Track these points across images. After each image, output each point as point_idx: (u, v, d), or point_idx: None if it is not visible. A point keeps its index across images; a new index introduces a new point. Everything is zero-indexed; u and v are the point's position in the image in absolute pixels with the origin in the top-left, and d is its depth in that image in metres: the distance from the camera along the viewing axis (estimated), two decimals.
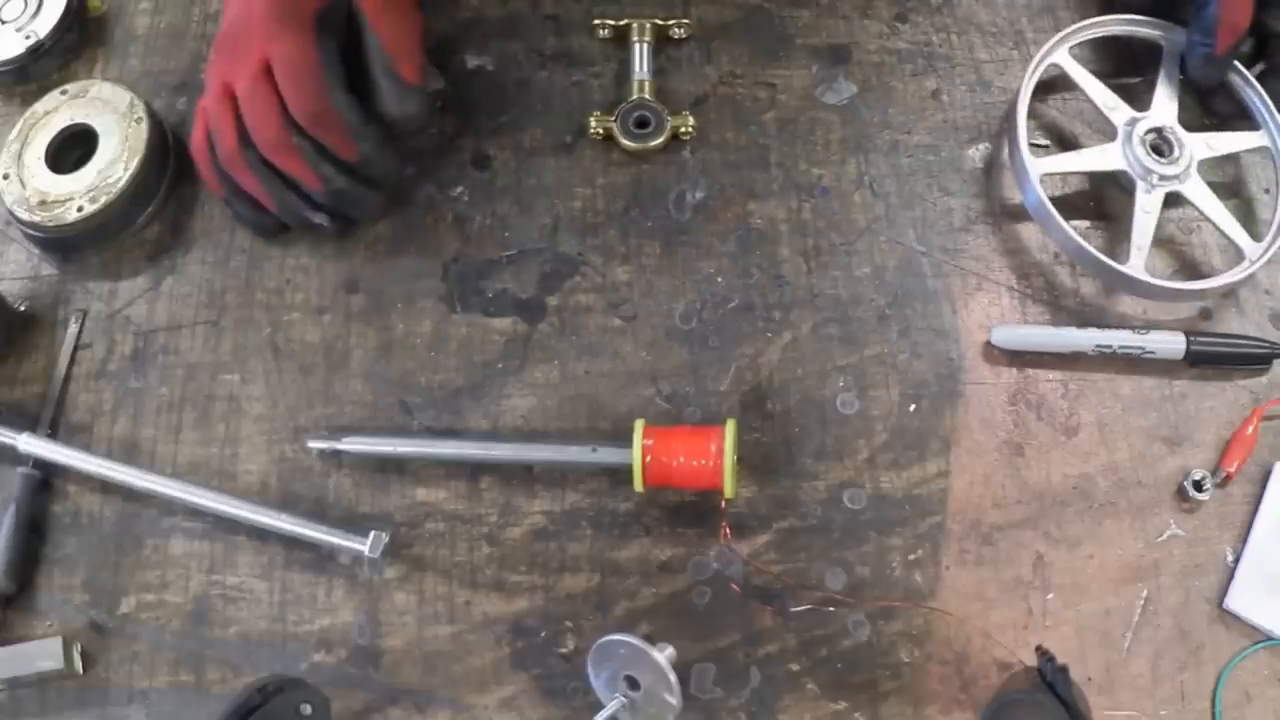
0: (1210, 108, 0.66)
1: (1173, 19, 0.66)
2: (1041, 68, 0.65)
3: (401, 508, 0.58)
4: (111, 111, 0.65)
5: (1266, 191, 0.65)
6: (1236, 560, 0.56)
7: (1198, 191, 0.62)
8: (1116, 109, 0.64)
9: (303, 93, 0.56)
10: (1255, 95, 0.64)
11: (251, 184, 0.60)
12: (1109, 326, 0.61)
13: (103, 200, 0.62)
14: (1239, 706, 0.53)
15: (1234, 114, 0.65)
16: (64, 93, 0.66)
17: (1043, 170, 0.62)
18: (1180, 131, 0.63)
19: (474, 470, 0.58)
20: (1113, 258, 0.60)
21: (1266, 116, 0.64)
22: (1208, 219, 0.62)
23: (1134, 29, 0.67)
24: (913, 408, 0.59)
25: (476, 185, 0.65)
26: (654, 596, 0.55)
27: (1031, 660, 0.50)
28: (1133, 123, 0.63)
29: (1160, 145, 0.62)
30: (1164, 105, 0.64)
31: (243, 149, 0.58)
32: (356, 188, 0.60)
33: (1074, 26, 0.66)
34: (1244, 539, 0.56)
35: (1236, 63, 0.64)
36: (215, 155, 0.60)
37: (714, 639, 0.54)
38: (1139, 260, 0.60)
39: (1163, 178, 0.61)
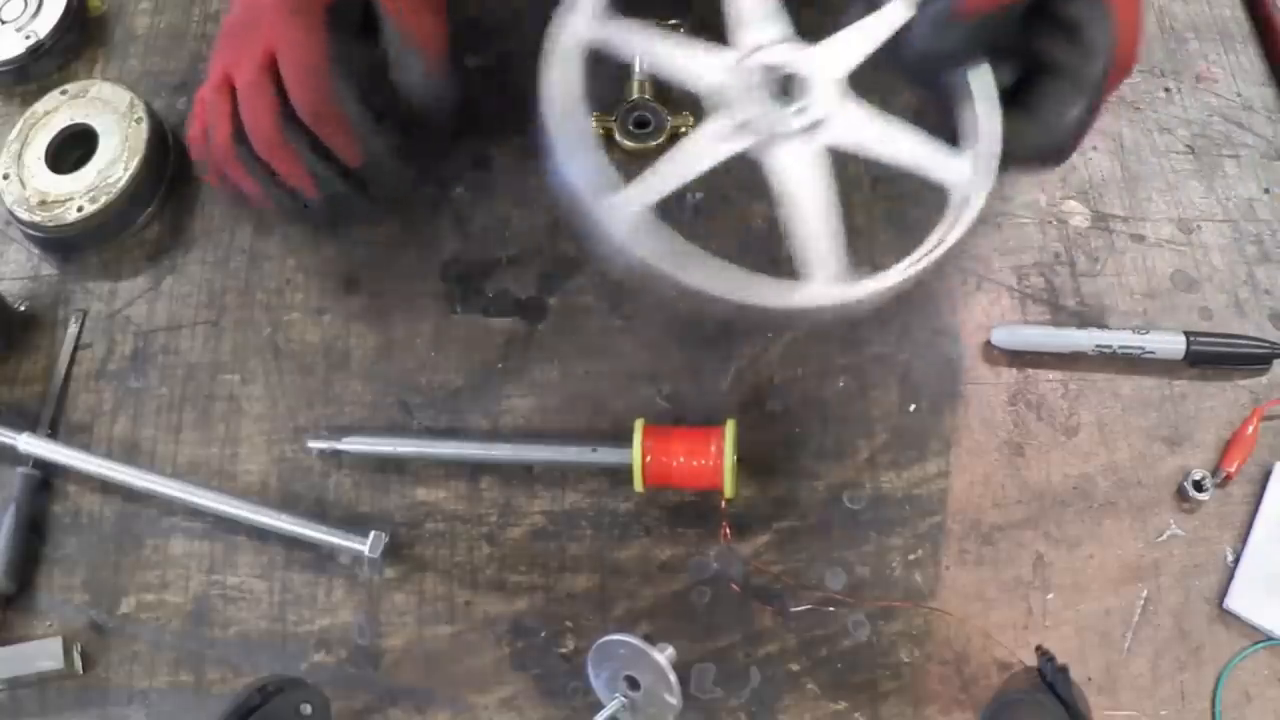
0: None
1: None
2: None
3: (401, 508, 0.58)
4: (111, 111, 0.65)
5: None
6: (1236, 560, 0.56)
7: (853, 129, 0.47)
8: (705, 63, 0.47)
9: (307, 88, 0.54)
10: (973, 115, 0.47)
11: (245, 180, 0.57)
12: (1109, 326, 0.61)
13: (103, 200, 0.63)
14: (1239, 706, 0.53)
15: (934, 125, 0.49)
16: (64, 93, 0.66)
17: (634, 207, 0.44)
18: (807, 50, 0.47)
19: (474, 470, 0.58)
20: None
21: (979, 146, 0.46)
22: (882, 159, 0.47)
23: None
24: (913, 408, 0.59)
25: (476, 185, 0.65)
26: (654, 596, 0.55)
27: (1031, 660, 0.50)
28: (741, 68, 0.47)
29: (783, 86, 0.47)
30: (762, 24, 0.48)
31: (236, 144, 0.55)
32: (353, 194, 0.57)
33: None
34: (1244, 539, 0.56)
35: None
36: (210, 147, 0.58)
37: (714, 639, 0.54)
38: (827, 264, 0.45)
39: (800, 130, 0.46)
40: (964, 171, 0.46)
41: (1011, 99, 0.47)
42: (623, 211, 0.43)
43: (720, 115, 0.46)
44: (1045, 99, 0.46)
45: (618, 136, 0.64)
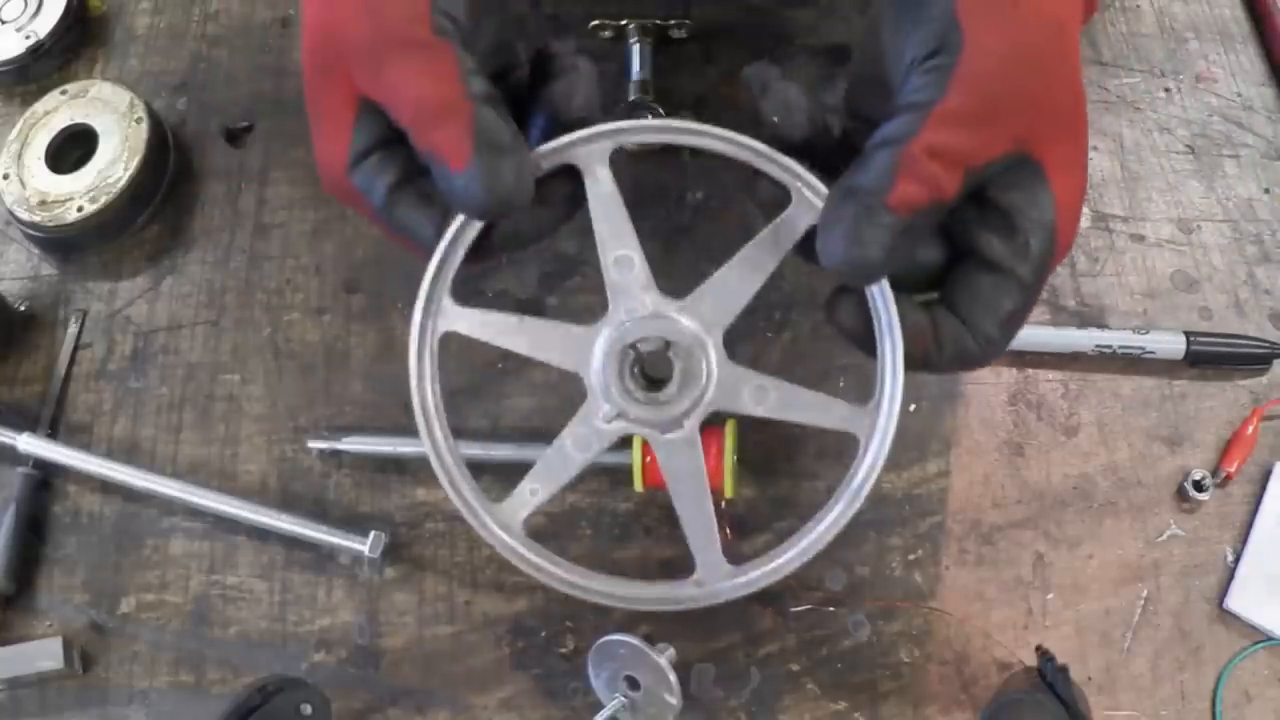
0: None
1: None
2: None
3: (401, 508, 0.58)
4: (111, 111, 0.65)
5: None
6: (1236, 560, 0.56)
7: (744, 396, 0.44)
8: (574, 345, 0.45)
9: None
10: (886, 322, 0.41)
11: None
12: (1109, 326, 0.61)
13: (103, 200, 0.63)
14: (1239, 706, 0.53)
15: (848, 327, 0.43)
16: (64, 93, 0.66)
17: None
18: (681, 317, 0.43)
19: (474, 470, 0.58)
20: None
21: (888, 360, 0.42)
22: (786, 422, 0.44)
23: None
24: (913, 408, 0.59)
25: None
26: None
27: (1031, 660, 0.50)
28: (612, 351, 0.44)
29: (655, 368, 0.43)
30: (632, 289, 0.44)
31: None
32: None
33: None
34: (1244, 539, 0.56)
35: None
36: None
37: (714, 639, 0.54)
38: (713, 558, 0.44)
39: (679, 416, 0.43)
40: (864, 425, 0.43)
41: (937, 288, 0.41)
42: (507, 525, 0.44)
43: (591, 404, 0.44)
44: (976, 296, 0.40)
45: None
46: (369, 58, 0.40)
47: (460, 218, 0.42)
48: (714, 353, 0.43)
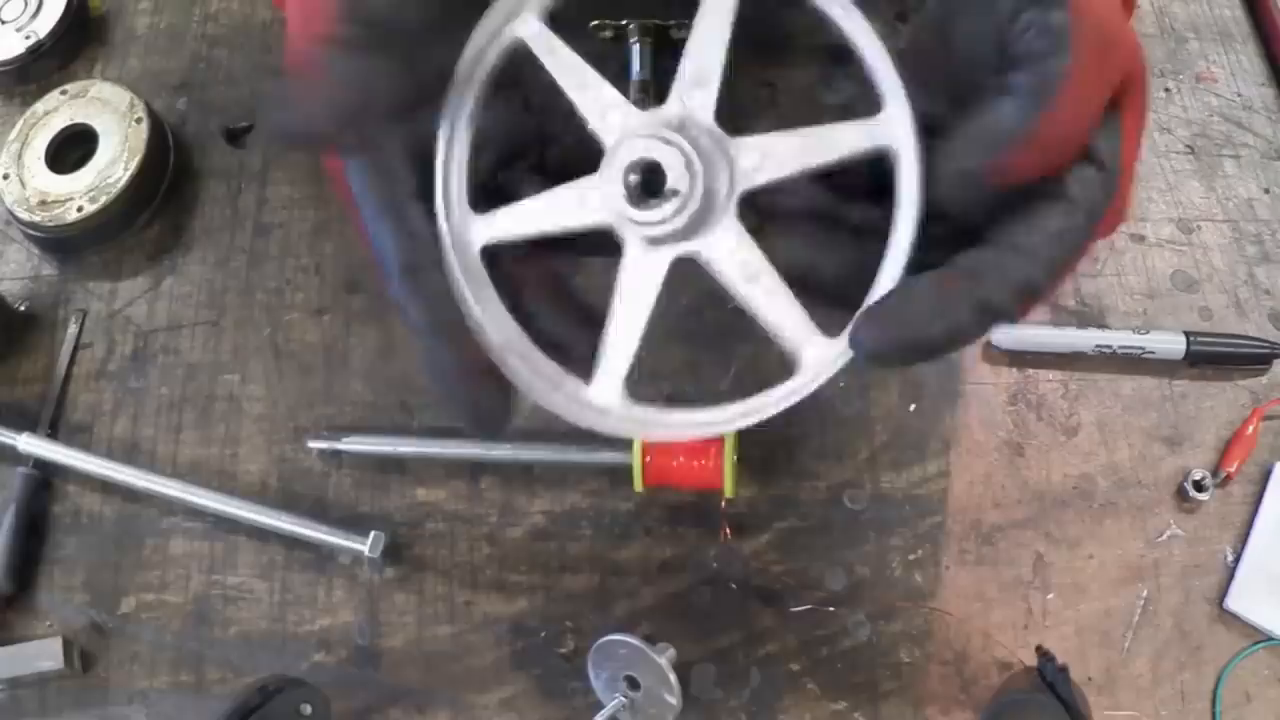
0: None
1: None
2: (493, 53, 0.40)
3: (401, 508, 0.58)
4: (111, 111, 0.65)
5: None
6: (1236, 560, 0.56)
7: (724, 256, 0.38)
8: (606, 111, 0.39)
9: None
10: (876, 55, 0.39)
11: None
12: (1109, 326, 0.61)
13: (103, 200, 0.63)
14: (1239, 706, 0.53)
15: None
16: (64, 93, 0.66)
17: (484, 238, 0.40)
18: (720, 143, 0.38)
19: (474, 470, 0.58)
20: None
21: (892, 90, 0.38)
22: (743, 303, 0.38)
23: None
24: (913, 408, 0.59)
25: None
26: (654, 596, 0.55)
27: (1031, 660, 0.50)
28: (626, 139, 0.39)
29: (658, 178, 0.38)
30: (693, 88, 0.39)
31: None
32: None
33: None
34: (1244, 539, 0.56)
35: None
36: None
37: (714, 639, 0.54)
38: (609, 381, 0.39)
39: (657, 238, 0.38)
40: (825, 357, 0.38)
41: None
42: (481, 234, 0.39)
43: (591, 178, 0.39)
44: (1034, 221, 0.35)
45: None
46: None
47: (449, 126, 0.40)
48: (732, 203, 0.38)
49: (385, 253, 0.40)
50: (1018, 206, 0.36)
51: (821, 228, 0.40)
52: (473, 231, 0.40)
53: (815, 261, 0.39)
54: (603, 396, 0.39)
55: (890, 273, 0.36)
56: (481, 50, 0.41)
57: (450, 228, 0.39)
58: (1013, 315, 0.35)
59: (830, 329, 0.37)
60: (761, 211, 0.39)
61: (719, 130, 0.39)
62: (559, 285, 0.44)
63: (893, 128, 0.38)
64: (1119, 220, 0.38)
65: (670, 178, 0.38)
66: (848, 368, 0.37)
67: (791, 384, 0.38)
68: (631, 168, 0.38)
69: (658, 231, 0.38)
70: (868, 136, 0.38)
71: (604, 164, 0.39)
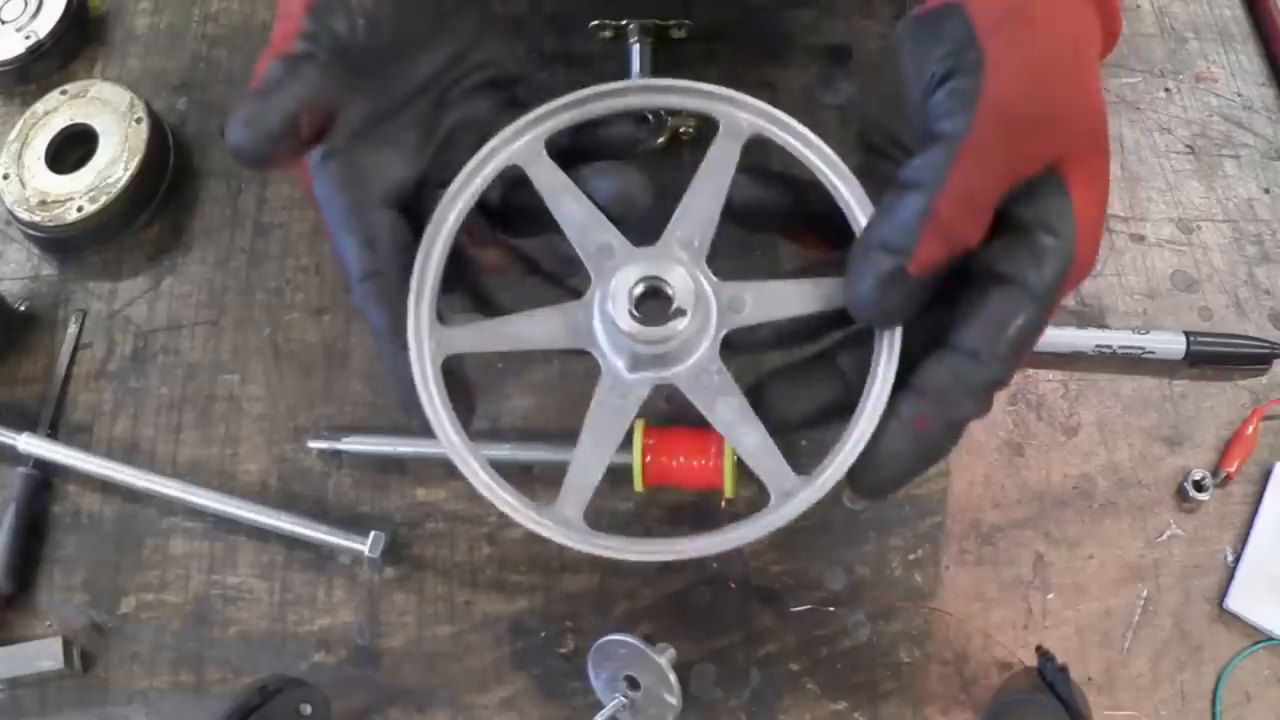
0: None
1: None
2: (488, 172, 0.42)
3: (401, 508, 0.58)
4: (111, 111, 0.65)
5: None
6: (1236, 560, 0.56)
7: (703, 389, 0.40)
8: (603, 247, 0.41)
9: None
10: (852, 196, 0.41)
11: None
12: (1109, 326, 0.61)
13: (103, 200, 0.63)
14: (1239, 706, 0.53)
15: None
16: (64, 93, 0.66)
17: (446, 349, 0.40)
18: (711, 288, 0.41)
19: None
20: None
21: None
22: (721, 430, 0.40)
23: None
24: None
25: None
26: (654, 596, 0.55)
27: (1031, 660, 0.50)
28: (626, 269, 0.40)
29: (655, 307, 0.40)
30: (688, 236, 0.41)
31: None
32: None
33: (551, 106, 0.43)
34: (1244, 539, 0.56)
35: None
36: None
37: (714, 639, 0.54)
38: (574, 500, 0.39)
39: (641, 361, 0.40)
40: (799, 495, 0.40)
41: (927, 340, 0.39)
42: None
43: (608, 371, 0.41)
44: (987, 311, 0.37)
45: None
46: None
47: (430, 241, 0.41)
48: (704, 275, 0.41)
49: (347, 259, 0.41)
50: (973, 285, 0.38)
51: (800, 372, 0.42)
52: (438, 343, 0.40)
53: (794, 397, 0.42)
54: (567, 514, 0.39)
55: (869, 414, 0.39)
56: (473, 172, 0.42)
57: (416, 339, 0.40)
58: (982, 414, 0.38)
59: (805, 466, 0.40)
60: (733, 346, 0.41)
61: (708, 272, 0.41)
62: (516, 263, 0.45)
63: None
64: (1082, 276, 0.39)
65: (678, 298, 0.40)
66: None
67: (765, 518, 0.40)
68: (639, 282, 0.40)
69: (655, 350, 0.39)
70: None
71: (596, 287, 0.41)
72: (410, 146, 0.43)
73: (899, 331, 0.39)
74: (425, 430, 0.40)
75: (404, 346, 0.40)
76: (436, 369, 0.40)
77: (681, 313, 0.39)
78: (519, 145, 0.43)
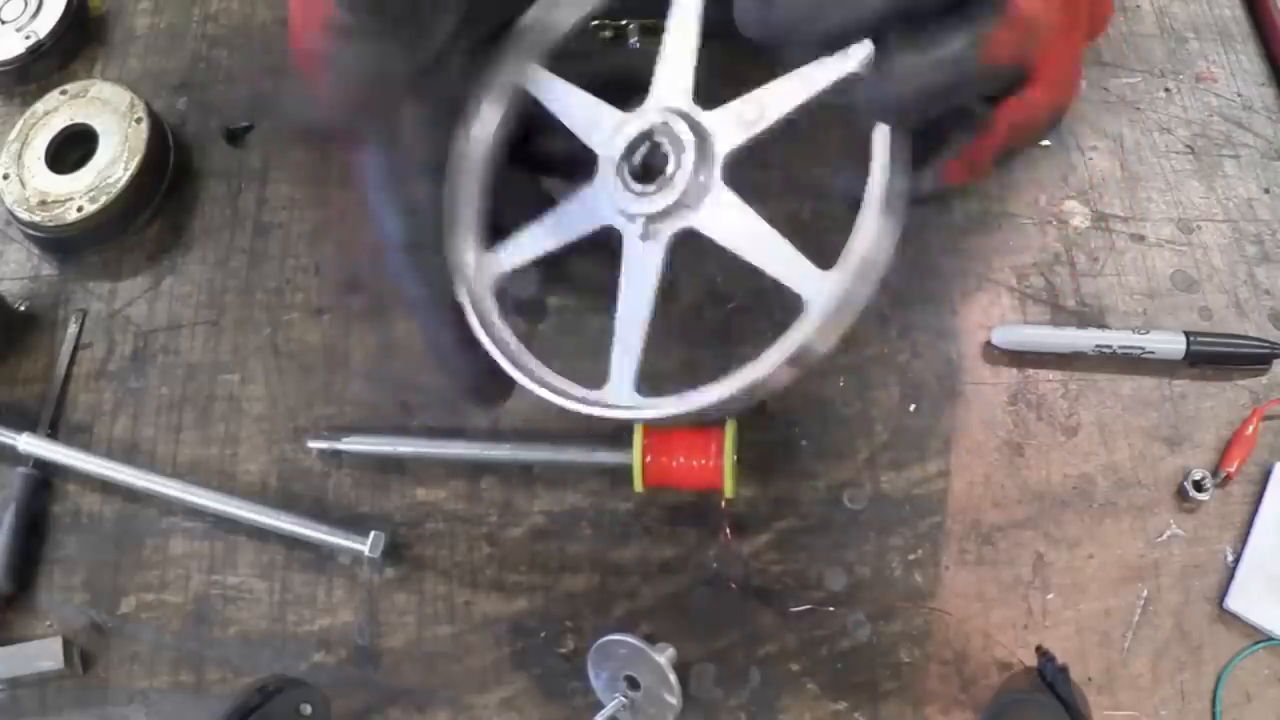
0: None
1: None
2: (500, 101, 0.44)
3: (401, 508, 0.58)
4: (111, 111, 0.65)
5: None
6: (1236, 560, 0.56)
7: (719, 220, 0.41)
8: (598, 123, 0.43)
9: None
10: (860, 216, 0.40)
11: None
12: (1109, 326, 0.61)
13: (103, 200, 0.63)
14: (1239, 706, 0.53)
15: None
16: (64, 93, 0.66)
17: (496, 272, 0.43)
18: (695, 120, 0.41)
19: (474, 470, 0.58)
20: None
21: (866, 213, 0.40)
22: (742, 259, 0.41)
23: None
24: (913, 408, 0.59)
25: None
26: (654, 596, 0.55)
27: (1031, 660, 0.50)
28: (616, 137, 0.43)
29: (652, 161, 0.42)
30: (670, 83, 0.43)
31: None
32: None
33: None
34: (1244, 539, 0.56)
35: None
36: None
37: (714, 639, 0.54)
38: (623, 375, 0.41)
39: (655, 216, 0.40)
40: (825, 289, 0.40)
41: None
42: (482, 279, 0.41)
43: (589, 185, 0.42)
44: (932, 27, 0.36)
45: None
46: None
47: (456, 171, 0.43)
48: (716, 169, 0.41)
49: (386, 229, 0.41)
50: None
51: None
52: (485, 270, 0.42)
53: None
54: (618, 396, 0.41)
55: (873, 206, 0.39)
56: (483, 101, 0.44)
57: (464, 271, 0.41)
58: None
59: (827, 264, 0.40)
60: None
61: (696, 108, 0.41)
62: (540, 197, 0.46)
63: (857, 54, 0.38)
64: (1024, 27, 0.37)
65: (664, 147, 0.41)
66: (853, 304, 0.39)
67: (806, 323, 0.40)
68: (629, 148, 0.41)
69: (660, 206, 0.40)
70: (836, 68, 0.39)
71: (600, 167, 0.42)
72: (444, 109, 0.43)
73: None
74: (484, 385, 0.43)
75: (442, 318, 0.41)
76: (492, 297, 0.42)
77: (670, 162, 0.40)
78: (515, 65, 0.44)
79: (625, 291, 0.41)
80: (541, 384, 0.42)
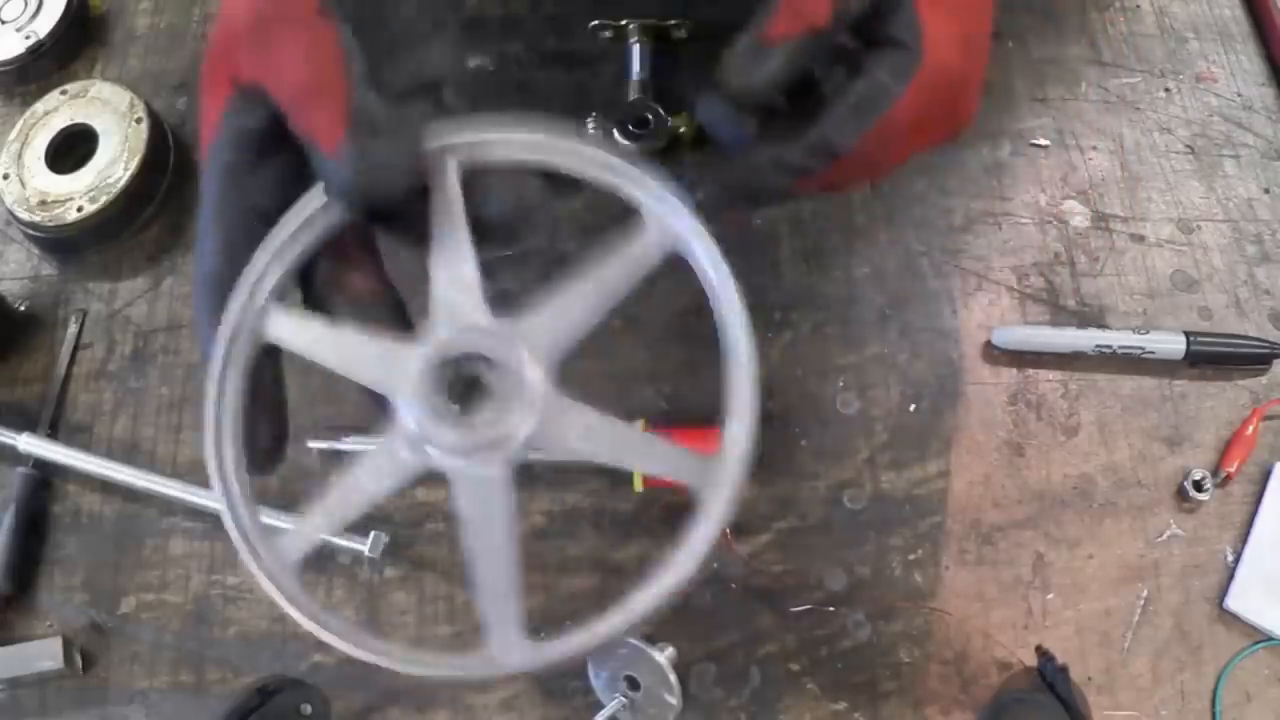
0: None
1: None
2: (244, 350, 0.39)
3: (401, 508, 0.58)
4: (111, 111, 0.65)
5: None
6: (1236, 560, 0.56)
7: (570, 432, 0.38)
8: (388, 357, 0.38)
9: None
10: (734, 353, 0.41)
11: None
12: (1109, 326, 0.61)
13: (103, 200, 0.62)
14: (1239, 706, 0.53)
15: None
16: (64, 93, 0.66)
17: (287, 560, 0.37)
18: (498, 333, 0.38)
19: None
20: None
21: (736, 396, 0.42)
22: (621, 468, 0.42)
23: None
24: (913, 408, 0.59)
25: None
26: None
27: (1031, 660, 0.50)
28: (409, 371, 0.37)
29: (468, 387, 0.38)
30: (453, 301, 0.39)
31: None
32: None
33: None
34: (1244, 539, 0.56)
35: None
36: None
37: (714, 639, 0.54)
38: (504, 632, 0.37)
39: (485, 446, 0.36)
40: (717, 480, 0.39)
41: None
42: (288, 554, 0.37)
43: (395, 428, 0.36)
44: (840, 93, 0.42)
45: (617, 137, 0.64)
46: (254, 39, 0.38)
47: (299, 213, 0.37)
48: (539, 383, 0.37)
49: (201, 252, 0.38)
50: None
51: None
52: (274, 551, 0.37)
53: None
54: (507, 653, 0.36)
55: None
56: (228, 352, 0.38)
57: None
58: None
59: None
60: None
61: (497, 322, 0.37)
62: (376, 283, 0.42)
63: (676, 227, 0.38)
64: (944, 76, 0.42)
65: (478, 368, 0.37)
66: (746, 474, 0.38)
67: (703, 528, 0.38)
68: (442, 371, 0.36)
69: (492, 435, 0.36)
70: (653, 248, 0.38)
71: (402, 405, 0.37)
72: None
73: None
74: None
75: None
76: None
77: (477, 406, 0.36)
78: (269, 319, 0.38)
79: (477, 539, 0.37)
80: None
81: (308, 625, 0.36)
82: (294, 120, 0.36)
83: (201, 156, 0.39)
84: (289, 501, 0.57)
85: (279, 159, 0.38)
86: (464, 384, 0.37)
